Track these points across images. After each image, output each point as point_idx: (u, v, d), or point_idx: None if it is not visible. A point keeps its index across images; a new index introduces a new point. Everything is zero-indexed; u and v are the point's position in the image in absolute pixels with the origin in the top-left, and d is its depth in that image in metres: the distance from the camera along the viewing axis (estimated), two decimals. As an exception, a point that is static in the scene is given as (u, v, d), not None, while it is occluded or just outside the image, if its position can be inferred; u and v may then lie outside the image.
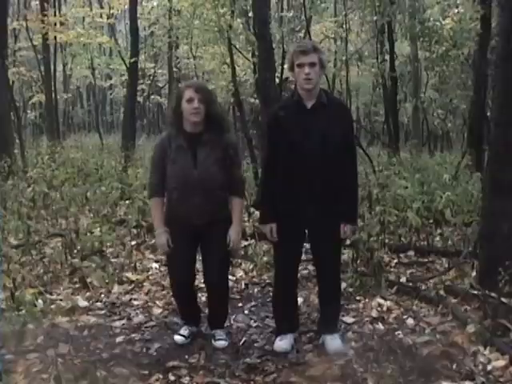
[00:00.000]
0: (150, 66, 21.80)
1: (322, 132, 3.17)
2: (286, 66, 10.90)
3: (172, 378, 3.10)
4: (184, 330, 3.62)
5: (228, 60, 12.74)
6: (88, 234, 5.44)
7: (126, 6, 16.48)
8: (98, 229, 5.44)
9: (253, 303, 4.32)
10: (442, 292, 4.21)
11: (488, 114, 9.79)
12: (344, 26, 17.53)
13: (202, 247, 3.46)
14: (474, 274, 4.42)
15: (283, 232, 3.32)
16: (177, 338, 3.57)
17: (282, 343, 3.41)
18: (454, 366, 3.10)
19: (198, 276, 3.70)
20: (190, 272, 3.48)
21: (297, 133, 3.18)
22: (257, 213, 6.41)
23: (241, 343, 3.56)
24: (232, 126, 3.54)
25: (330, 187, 3.20)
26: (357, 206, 3.44)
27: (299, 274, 4.57)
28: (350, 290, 4.37)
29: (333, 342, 3.38)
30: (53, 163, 10.81)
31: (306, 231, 3.38)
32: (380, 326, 3.76)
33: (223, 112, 3.46)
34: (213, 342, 3.54)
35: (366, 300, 4.21)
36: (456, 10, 12.61)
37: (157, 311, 4.15)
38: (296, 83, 3.30)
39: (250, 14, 10.74)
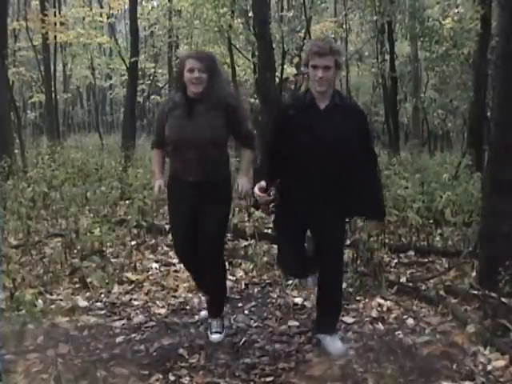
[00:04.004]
0: (150, 65, 21.81)
1: (335, 134, 3.10)
2: (286, 66, 10.88)
3: (172, 378, 3.10)
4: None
5: (228, 60, 12.75)
6: (88, 234, 5.44)
7: (126, 6, 16.51)
8: (98, 229, 5.43)
9: (253, 303, 4.32)
10: (442, 292, 4.20)
11: (488, 114, 9.79)
12: (344, 26, 17.57)
13: (199, 219, 3.37)
14: (474, 274, 4.42)
15: (287, 223, 3.29)
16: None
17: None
18: (454, 366, 3.09)
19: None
20: (190, 231, 3.39)
21: (307, 134, 3.12)
22: (257, 213, 6.42)
23: (241, 343, 3.55)
24: (234, 92, 3.57)
25: (338, 188, 3.16)
26: (381, 200, 3.36)
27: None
28: (350, 290, 4.37)
29: (333, 343, 3.35)
30: (53, 163, 10.81)
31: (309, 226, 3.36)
32: (380, 326, 3.76)
33: (226, 81, 3.46)
34: (208, 334, 3.56)
35: (366, 300, 4.21)
36: (456, 10, 12.62)
37: (157, 311, 4.15)
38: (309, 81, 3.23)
39: (250, 14, 10.75)
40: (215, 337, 3.56)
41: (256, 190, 3.18)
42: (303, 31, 13.65)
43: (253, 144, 3.50)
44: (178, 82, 3.35)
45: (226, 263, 5.13)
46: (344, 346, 3.36)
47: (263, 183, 3.17)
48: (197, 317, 4.00)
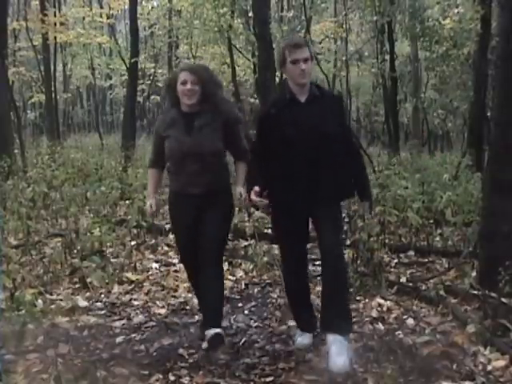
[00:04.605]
0: (150, 65, 21.82)
1: (319, 123, 3.18)
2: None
3: (172, 378, 3.10)
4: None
5: (228, 60, 12.77)
6: (88, 234, 5.44)
7: (126, 6, 16.52)
8: (98, 229, 5.44)
9: (253, 303, 4.32)
10: (442, 292, 4.20)
11: (488, 114, 9.79)
12: (344, 26, 17.56)
13: (199, 224, 3.39)
14: (474, 274, 4.42)
15: (286, 228, 3.31)
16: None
17: (301, 339, 3.45)
18: (454, 366, 3.09)
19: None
20: (194, 241, 3.42)
21: (293, 128, 3.18)
22: (257, 213, 6.42)
23: (241, 343, 3.55)
24: (230, 104, 3.70)
25: (330, 175, 3.21)
26: (367, 183, 3.44)
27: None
28: (350, 290, 4.36)
29: (337, 356, 2.95)
30: (53, 163, 10.82)
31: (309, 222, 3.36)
32: (380, 326, 3.75)
33: (220, 94, 3.49)
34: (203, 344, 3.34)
35: (366, 300, 4.20)
36: (456, 10, 12.62)
37: (157, 311, 4.15)
38: (287, 79, 3.27)
39: (250, 14, 10.75)
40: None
41: (252, 196, 3.20)
42: (303, 31, 13.64)
43: (247, 156, 3.52)
44: (172, 97, 3.40)
45: (226, 263, 5.16)
46: (348, 362, 2.96)
47: (257, 188, 3.21)
48: (197, 317, 4.00)
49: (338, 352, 2.96)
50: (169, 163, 3.46)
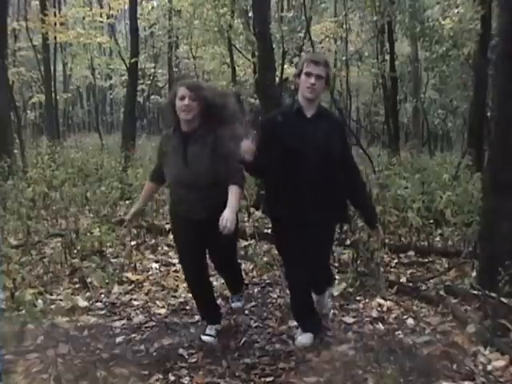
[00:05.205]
0: (150, 66, 21.80)
1: (322, 140, 3.23)
2: (286, 66, 10.90)
3: (172, 378, 3.10)
4: (210, 330, 3.65)
5: (228, 60, 12.76)
6: (88, 234, 5.44)
7: (126, 6, 16.51)
8: (98, 229, 5.44)
9: (253, 303, 4.32)
10: (442, 292, 4.21)
11: (488, 113, 9.78)
12: (344, 26, 17.54)
13: (207, 244, 3.47)
14: (474, 274, 4.42)
15: (287, 240, 3.35)
16: (205, 338, 3.59)
17: (301, 339, 3.48)
18: (454, 366, 3.09)
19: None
20: (199, 262, 3.50)
21: (295, 140, 3.22)
22: (257, 213, 6.43)
23: (241, 343, 3.55)
24: (236, 117, 3.53)
25: (329, 193, 3.25)
26: (372, 211, 3.61)
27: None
28: (350, 290, 4.36)
29: (322, 302, 3.73)
30: (53, 163, 10.81)
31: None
32: (380, 326, 3.76)
33: (225, 105, 3.35)
34: (231, 304, 4.13)
35: (366, 300, 4.21)
36: (456, 10, 12.60)
37: (157, 311, 4.15)
38: (298, 91, 3.33)
39: (250, 14, 10.74)
40: (236, 304, 4.10)
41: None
42: (303, 31, 13.63)
43: (239, 177, 3.31)
44: (173, 115, 3.40)
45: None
46: (330, 306, 3.84)
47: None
48: (197, 317, 4.00)
49: (321, 300, 3.72)
50: (169, 188, 3.56)
